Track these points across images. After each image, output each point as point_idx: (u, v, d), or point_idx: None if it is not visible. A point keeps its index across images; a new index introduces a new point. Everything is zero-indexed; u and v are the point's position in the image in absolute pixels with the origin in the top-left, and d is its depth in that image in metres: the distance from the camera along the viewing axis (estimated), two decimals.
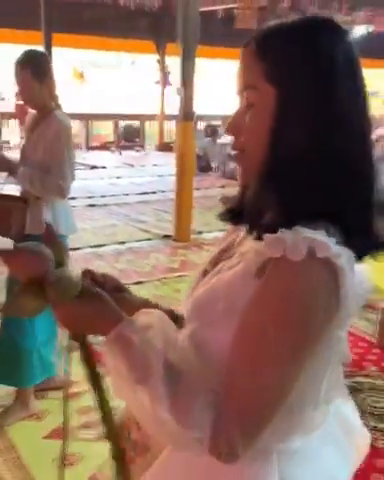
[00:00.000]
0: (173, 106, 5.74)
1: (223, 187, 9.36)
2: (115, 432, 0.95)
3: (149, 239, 5.93)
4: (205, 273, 0.94)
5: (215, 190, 9.01)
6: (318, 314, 0.75)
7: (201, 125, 12.36)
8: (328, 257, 0.73)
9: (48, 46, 8.51)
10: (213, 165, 10.81)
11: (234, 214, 0.94)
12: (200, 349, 0.83)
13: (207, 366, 0.82)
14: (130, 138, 13.49)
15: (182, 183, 5.91)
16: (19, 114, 10.71)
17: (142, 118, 13.69)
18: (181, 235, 5.89)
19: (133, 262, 5.07)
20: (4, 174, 2.66)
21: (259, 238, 0.79)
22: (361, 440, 1.04)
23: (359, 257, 0.81)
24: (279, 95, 0.80)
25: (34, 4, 8.88)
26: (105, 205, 7.60)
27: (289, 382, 0.76)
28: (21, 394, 2.62)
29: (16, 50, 2.71)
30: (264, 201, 0.82)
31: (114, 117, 13.33)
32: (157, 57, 13.29)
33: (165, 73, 13.32)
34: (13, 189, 2.67)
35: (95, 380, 0.92)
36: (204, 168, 10.14)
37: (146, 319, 0.86)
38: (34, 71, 2.49)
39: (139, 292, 1.08)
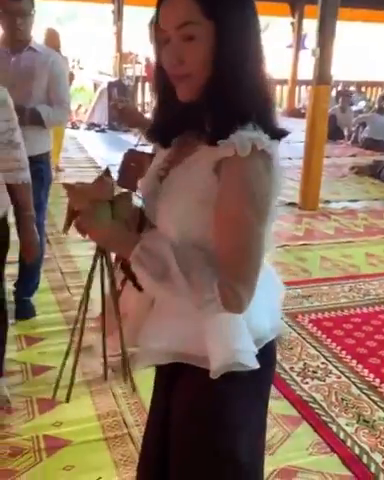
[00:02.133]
0: (307, 71, 5.53)
1: (354, 156, 8.97)
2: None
3: None
4: (160, 179, 1.19)
5: (346, 159, 8.67)
6: (265, 188, 1.03)
7: (333, 91, 11.84)
8: (264, 149, 1.02)
9: None
10: (345, 133, 10.35)
11: (161, 132, 1.21)
12: (188, 237, 1.10)
13: (197, 248, 1.08)
14: None
15: (312, 150, 5.75)
16: (149, 75, 10.93)
17: (273, 82, 13.35)
18: (307, 203, 5.77)
19: None
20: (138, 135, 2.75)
21: (211, 143, 1.04)
22: (281, 286, 1.37)
23: None
24: (217, 28, 1.03)
25: None
26: None
27: (262, 241, 1.05)
28: None
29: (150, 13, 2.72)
30: (211, 111, 1.06)
31: None
32: (291, 20, 12.83)
33: (300, 36, 12.85)
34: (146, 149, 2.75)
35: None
36: (335, 136, 9.72)
37: (154, 233, 1.15)
38: None
39: None
